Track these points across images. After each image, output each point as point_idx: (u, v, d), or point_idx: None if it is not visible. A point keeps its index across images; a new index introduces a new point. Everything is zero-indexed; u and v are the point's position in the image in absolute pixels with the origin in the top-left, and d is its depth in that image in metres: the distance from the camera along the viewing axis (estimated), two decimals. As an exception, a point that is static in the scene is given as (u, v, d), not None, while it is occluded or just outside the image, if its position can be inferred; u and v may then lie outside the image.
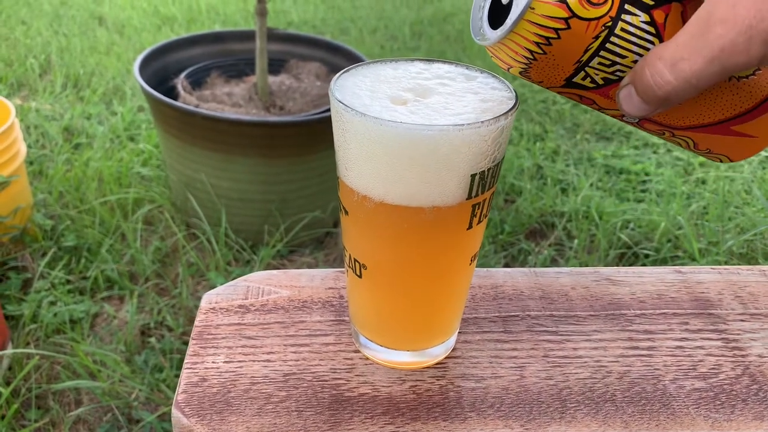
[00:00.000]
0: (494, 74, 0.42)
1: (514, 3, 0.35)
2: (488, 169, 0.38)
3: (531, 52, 0.35)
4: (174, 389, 1.26)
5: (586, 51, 0.34)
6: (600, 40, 0.33)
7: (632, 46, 0.34)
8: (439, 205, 0.38)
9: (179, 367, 1.32)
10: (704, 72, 0.31)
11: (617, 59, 0.34)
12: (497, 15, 0.37)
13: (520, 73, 0.37)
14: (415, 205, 0.38)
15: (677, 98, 0.33)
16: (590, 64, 0.35)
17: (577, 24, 0.33)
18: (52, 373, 1.31)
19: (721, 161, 0.41)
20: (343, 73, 0.41)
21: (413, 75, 0.41)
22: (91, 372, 1.29)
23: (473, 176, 0.37)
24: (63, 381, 1.27)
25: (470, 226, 0.40)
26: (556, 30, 0.33)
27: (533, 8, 0.33)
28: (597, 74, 0.35)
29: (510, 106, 0.38)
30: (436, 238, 0.40)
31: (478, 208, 0.39)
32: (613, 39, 0.33)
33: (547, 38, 0.34)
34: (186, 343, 1.39)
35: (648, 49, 0.34)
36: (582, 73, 0.35)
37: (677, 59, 0.31)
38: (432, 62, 0.43)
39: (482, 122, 0.35)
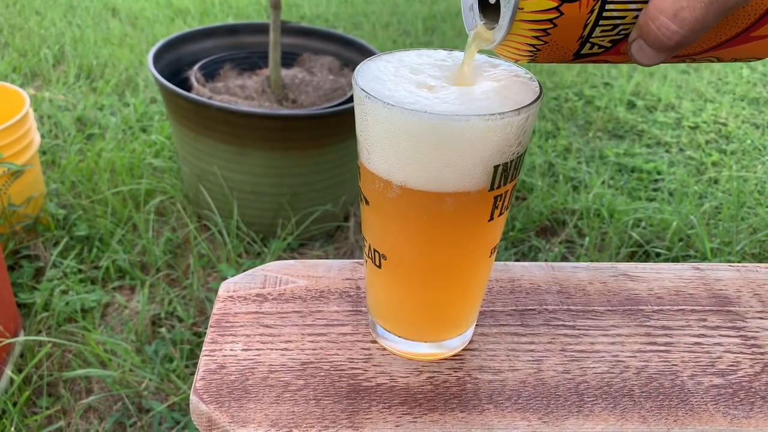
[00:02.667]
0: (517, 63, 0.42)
1: (502, 3, 0.34)
2: (511, 161, 0.38)
3: (532, 45, 0.35)
4: (184, 379, 1.27)
5: (585, 26, 0.34)
6: (596, 12, 0.33)
7: (629, 5, 0.33)
8: (461, 194, 0.38)
9: (189, 358, 1.33)
10: (707, 16, 0.31)
11: (618, 22, 0.34)
12: (489, 12, 0.37)
13: (529, 61, 0.37)
14: (437, 191, 0.37)
15: (689, 43, 0.33)
16: (593, 35, 0.34)
17: (569, 8, 0.33)
18: (64, 361, 1.31)
19: (749, 61, 0.41)
20: (367, 61, 0.41)
21: (437, 62, 0.41)
22: (101, 361, 1.30)
23: (496, 167, 0.37)
24: (74, 369, 1.28)
25: (491, 218, 0.40)
26: (550, 20, 0.33)
27: (522, 8, 0.33)
28: (603, 40, 0.35)
29: (534, 93, 0.38)
30: (457, 229, 0.39)
31: (500, 200, 0.39)
32: (608, 6, 0.33)
33: (544, 29, 0.33)
34: (196, 334, 1.39)
35: (645, 2, 0.33)
36: (588, 45, 0.35)
37: (677, 9, 0.31)
38: (454, 50, 0.43)
39: (507, 112, 0.35)
